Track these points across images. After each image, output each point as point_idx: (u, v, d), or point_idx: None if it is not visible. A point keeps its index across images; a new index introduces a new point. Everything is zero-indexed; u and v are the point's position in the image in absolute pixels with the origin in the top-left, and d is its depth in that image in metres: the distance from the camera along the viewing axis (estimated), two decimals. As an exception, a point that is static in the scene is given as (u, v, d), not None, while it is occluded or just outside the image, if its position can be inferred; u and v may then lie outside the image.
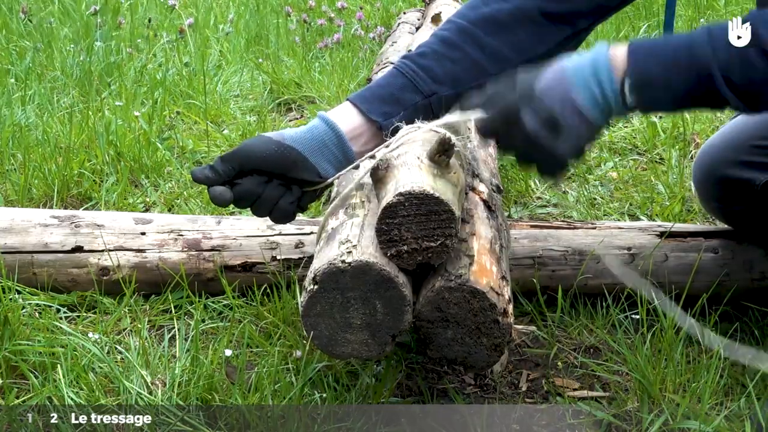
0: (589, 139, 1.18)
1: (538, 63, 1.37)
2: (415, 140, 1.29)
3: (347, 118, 1.34)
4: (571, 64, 1.18)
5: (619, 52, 1.16)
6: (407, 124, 1.31)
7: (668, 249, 1.68)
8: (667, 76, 1.14)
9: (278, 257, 1.68)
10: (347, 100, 1.37)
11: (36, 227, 1.71)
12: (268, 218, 1.33)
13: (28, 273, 1.68)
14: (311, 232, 1.71)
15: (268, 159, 1.27)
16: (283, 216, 1.31)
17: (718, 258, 1.67)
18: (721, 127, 1.76)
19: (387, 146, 1.28)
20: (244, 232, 1.72)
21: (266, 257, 1.68)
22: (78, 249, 1.69)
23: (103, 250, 1.69)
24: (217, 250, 1.70)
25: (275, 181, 1.28)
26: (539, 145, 1.16)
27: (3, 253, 1.66)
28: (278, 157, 1.27)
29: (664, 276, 1.66)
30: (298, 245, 1.69)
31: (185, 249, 1.70)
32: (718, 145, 1.68)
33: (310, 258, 1.65)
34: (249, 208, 1.31)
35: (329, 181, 1.31)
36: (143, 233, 1.72)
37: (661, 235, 1.70)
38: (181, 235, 1.72)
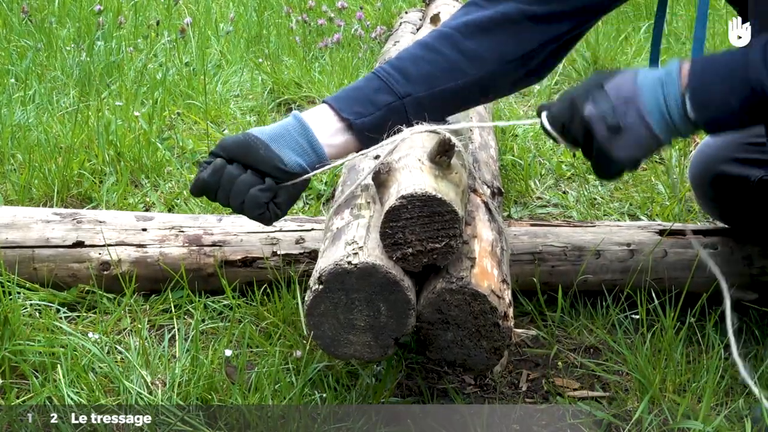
0: (649, 150, 1.18)
1: (519, 64, 1.38)
2: (414, 142, 1.29)
3: (318, 114, 1.34)
4: (644, 71, 1.18)
5: (685, 66, 1.17)
6: (381, 125, 1.31)
7: (668, 245, 1.69)
8: (723, 88, 1.14)
9: (278, 252, 1.69)
10: (323, 101, 1.37)
11: (37, 223, 1.72)
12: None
13: (29, 268, 1.68)
14: (312, 229, 1.72)
15: (236, 144, 1.28)
16: (254, 204, 1.28)
17: (717, 254, 1.67)
18: None
19: (383, 147, 1.28)
20: (245, 229, 1.72)
21: (266, 253, 1.69)
22: (79, 244, 1.69)
23: (104, 245, 1.69)
24: (217, 246, 1.70)
25: (250, 171, 1.28)
26: (596, 140, 1.17)
27: (4, 248, 1.67)
28: (242, 142, 1.28)
29: (663, 272, 1.66)
30: (299, 241, 1.70)
31: (186, 244, 1.71)
32: (714, 143, 1.68)
33: (310, 253, 1.66)
34: (230, 203, 1.30)
35: (305, 177, 1.29)
36: (144, 229, 1.73)
37: (661, 233, 1.70)
38: (182, 231, 1.73)
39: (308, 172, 1.30)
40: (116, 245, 1.70)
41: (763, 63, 1.13)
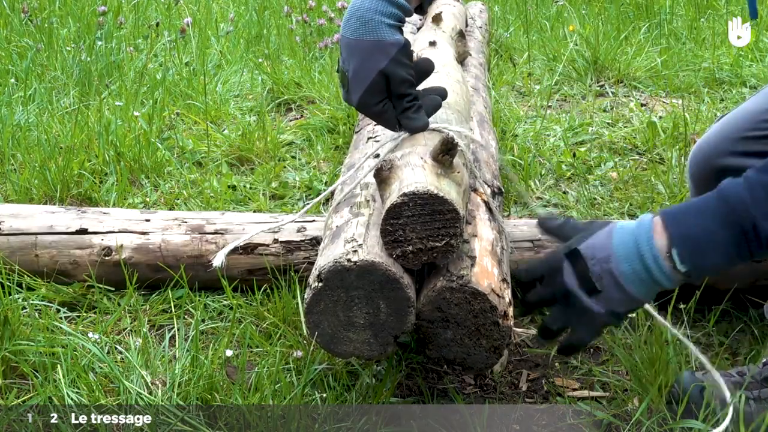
0: (629, 311, 1.14)
1: None
2: (417, 140, 1.29)
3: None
4: (618, 232, 1.13)
5: (657, 221, 1.12)
6: None
7: None
8: (710, 231, 1.09)
9: (279, 239, 1.69)
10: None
11: (42, 213, 1.75)
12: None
13: (30, 255, 1.69)
14: (313, 220, 1.73)
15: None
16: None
17: None
18: (712, 124, 1.75)
19: (384, 144, 1.28)
20: (247, 219, 1.75)
21: (268, 239, 1.70)
22: (82, 231, 1.71)
23: (107, 232, 1.71)
24: (219, 233, 1.72)
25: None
26: (575, 300, 1.13)
27: (8, 234, 1.69)
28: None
29: None
30: (300, 230, 1.71)
31: (188, 232, 1.72)
32: (713, 138, 1.66)
33: (311, 240, 1.68)
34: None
35: None
36: (148, 220, 1.75)
37: None
38: (185, 222, 1.75)
39: None
40: (119, 232, 1.72)
41: (746, 190, 1.10)
